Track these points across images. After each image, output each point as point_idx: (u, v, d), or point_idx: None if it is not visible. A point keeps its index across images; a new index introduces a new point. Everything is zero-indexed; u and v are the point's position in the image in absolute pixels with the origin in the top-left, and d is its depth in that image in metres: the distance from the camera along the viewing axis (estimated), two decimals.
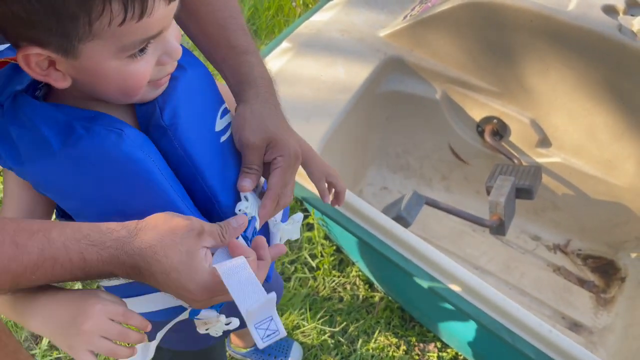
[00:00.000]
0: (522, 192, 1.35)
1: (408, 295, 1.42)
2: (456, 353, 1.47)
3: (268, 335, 0.53)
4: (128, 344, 0.59)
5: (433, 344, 1.49)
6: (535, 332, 0.98)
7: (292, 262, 1.63)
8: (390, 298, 1.56)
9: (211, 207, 0.66)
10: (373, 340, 1.50)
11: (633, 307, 1.45)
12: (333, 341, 1.50)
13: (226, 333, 0.75)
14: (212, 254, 0.57)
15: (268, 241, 0.73)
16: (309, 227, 1.68)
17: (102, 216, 0.58)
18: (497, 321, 1.01)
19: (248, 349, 1.43)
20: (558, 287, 1.53)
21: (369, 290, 1.59)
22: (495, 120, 1.51)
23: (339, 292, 1.59)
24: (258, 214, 0.65)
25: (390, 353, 1.48)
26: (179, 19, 0.67)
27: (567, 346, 0.96)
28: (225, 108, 0.69)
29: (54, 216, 0.67)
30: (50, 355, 1.42)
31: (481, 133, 1.55)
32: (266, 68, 0.72)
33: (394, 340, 1.50)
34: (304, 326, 1.51)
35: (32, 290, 0.57)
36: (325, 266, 1.60)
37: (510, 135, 1.52)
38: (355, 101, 1.36)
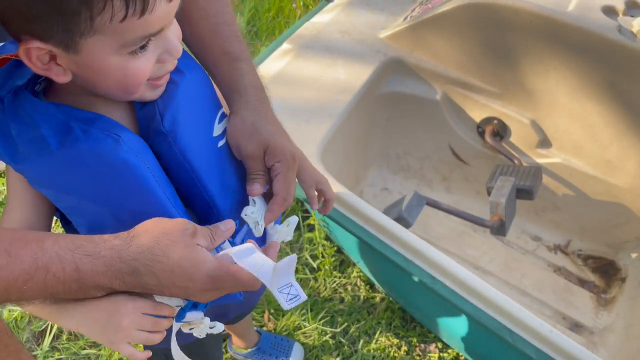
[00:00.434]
0: (523, 193, 1.35)
1: (409, 296, 1.42)
2: (457, 353, 1.47)
3: (291, 299, 0.57)
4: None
5: (434, 345, 1.49)
6: (536, 331, 0.98)
7: None
8: (391, 299, 1.56)
9: (210, 212, 0.67)
10: (374, 341, 1.50)
11: (633, 307, 1.45)
12: (334, 342, 1.50)
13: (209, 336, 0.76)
14: None
15: (265, 241, 0.75)
16: (310, 228, 1.68)
17: (94, 217, 0.60)
18: (497, 321, 1.01)
19: (249, 350, 1.43)
20: (559, 288, 1.53)
21: (370, 291, 1.59)
22: (495, 121, 1.52)
23: (340, 292, 1.59)
24: (264, 218, 0.68)
25: (392, 354, 1.48)
26: None
27: (568, 346, 0.96)
28: (223, 113, 0.70)
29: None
30: (52, 356, 1.42)
31: (481, 134, 1.55)
32: (258, 76, 0.73)
33: (395, 340, 1.50)
34: (305, 327, 1.51)
35: None
36: (326, 267, 1.60)
37: (510, 136, 1.52)
38: (355, 102, 1.36)
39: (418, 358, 1.48)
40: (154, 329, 0.61)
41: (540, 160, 1.52)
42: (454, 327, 1.28)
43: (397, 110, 1.58)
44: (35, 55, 0.52)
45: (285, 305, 0.57)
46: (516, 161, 1.47)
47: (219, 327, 0.69)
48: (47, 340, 1.44)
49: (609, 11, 1.29)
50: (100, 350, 1.44)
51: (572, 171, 1.50)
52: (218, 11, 0.71)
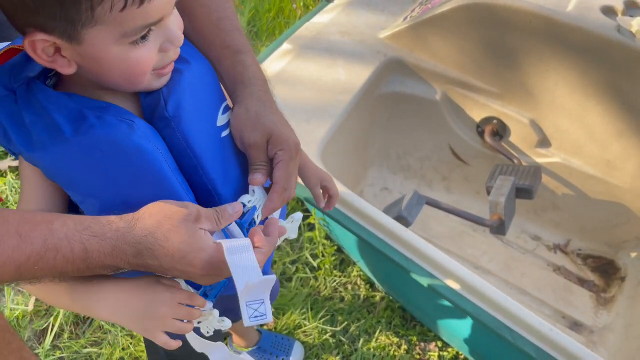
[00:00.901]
0: (522, 192, 1.35)
1: (409, 295, 1.43)
2: (457, 352, 1.47)
3: (256, 317, 0.56)
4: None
5: (434, 343, 1.50)
6: (536, 330, 0.98)
7: (293, 262, 1.63)
8: (391, 297, 1.57)
9: (211, 200, 0.68)
10: (374, 340, 1.50)
11: (633, 307, 1.46)
12: (334, 340, 1.50)
13: (217, 334, 0.76)
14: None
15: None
16: (310, 227, 1.69)
17: (106, 204, 0.60)
18: (497, 319, 1.01)
19: (250, 349, 1.44)
20: (558, 287, 1.54)
21: (370, 289, 1.59)
22: (495, 121, 1.52)
23: (340, 291, 1.60)
24: (263, 207, 0.67)
25: (391, 352, 1.48)
26: None
27: (568, 344, 0.96)
28: (227, 105, 0.70)
29: None
30: (53, 355, 1.43)
31: (481, 133, 1.56)
32: (260, 68, 0.73)
33: (395, 339, 1.51)
34: (305, 325, 1.52)
35: (93, 282, 0.62)
36: (327, 266, 1.61)
37: (510, 136, 1.53)
38: (355, 102, 1.37)
39: (418, 357, 1.48)
40: (188, 318, 0.64)
41: (539, 160, 1.53)
42: (453, 326, 1.29)
43: (397, 110, 1.59)
44: (41, 47, 0.53)
45: (247, 322, 0.56)
46: (515, 161, 1.48)
47: (227, 324, 0.69)
48: (49, 338, 1.45)
49: (608, 11, 1.29)
50: (101, 349, 1.44)
51: (571, 171, 1.50)
52: (219, 6, 0.72)
